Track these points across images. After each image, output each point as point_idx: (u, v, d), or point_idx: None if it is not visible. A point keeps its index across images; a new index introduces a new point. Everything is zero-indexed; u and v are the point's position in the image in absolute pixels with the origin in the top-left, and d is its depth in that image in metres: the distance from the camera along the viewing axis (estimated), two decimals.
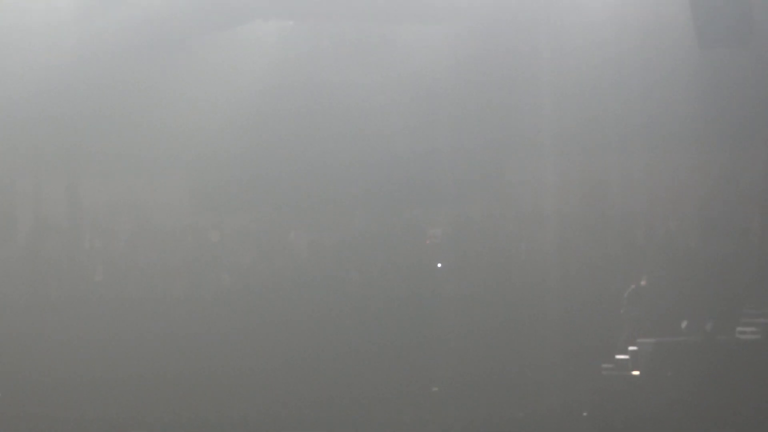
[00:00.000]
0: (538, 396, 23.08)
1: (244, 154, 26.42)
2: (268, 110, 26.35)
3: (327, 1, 26.04)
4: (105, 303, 25.50)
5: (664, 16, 25.61)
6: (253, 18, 26.16)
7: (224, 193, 26.87)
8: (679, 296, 24.44)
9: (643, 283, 25.02)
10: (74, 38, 25.26)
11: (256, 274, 26.26)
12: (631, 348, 23.41)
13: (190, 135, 26.02)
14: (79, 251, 26.89)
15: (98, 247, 26.95)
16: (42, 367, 23.46)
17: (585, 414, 22.30)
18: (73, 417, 22.13)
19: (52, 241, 26.74)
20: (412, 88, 26.42)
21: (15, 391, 22.15)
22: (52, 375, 23.45)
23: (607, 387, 22.69)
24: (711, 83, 25.48)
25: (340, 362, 23.42)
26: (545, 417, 22.54)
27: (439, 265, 26.53)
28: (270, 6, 25.76)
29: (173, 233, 26.76)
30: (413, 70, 26.40)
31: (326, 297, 25.30)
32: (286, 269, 26.43)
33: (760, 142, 26.09)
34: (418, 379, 23.02)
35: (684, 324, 23.73)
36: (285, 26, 26.52)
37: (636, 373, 22.99)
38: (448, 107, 26.75)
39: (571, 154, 26.70)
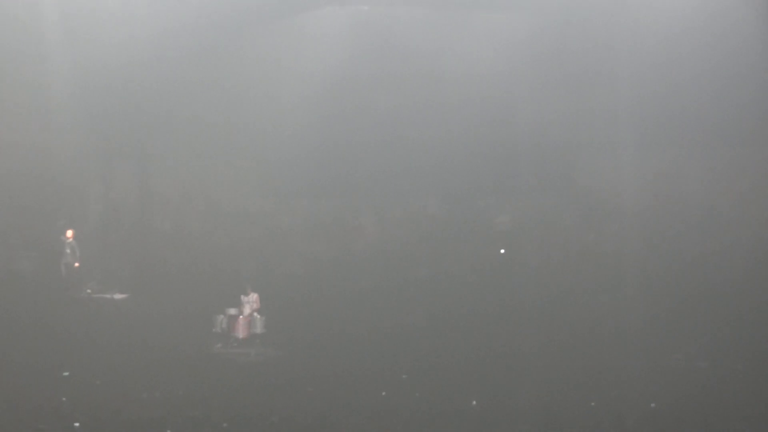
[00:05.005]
0: None
1: (315, 143, 26.43)
2: (340, 98, 26.36)
3: None
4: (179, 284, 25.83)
5: (740, 14, 25.46)
6: (328, 4, 26.30)
7: (297, 178, 26.83)
8: None
9: None
10: (146, 32, 25.48)
11: (325, 258, 26.43)
12: None
13: (262, 124, 26.19)
14: (152, 234, 27.07)
15: (169, 230, 27.12)
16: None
17: None
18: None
19: (125, 223, 27.04)
20: (488, 81, 26.27)
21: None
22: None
23: None
24: None
25: (398, 338, 23.43)
26: None
27: (502, 251, 26.58)
28: None
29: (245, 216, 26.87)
30: (490, 63, 26.27)
31: (395, 281, 25.64)
32: (354, 254, 26.58)
33: None
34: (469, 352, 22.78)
35: None
36: (360, 11, 26.50)
37: None
38: (526, 102, 26.60)
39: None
